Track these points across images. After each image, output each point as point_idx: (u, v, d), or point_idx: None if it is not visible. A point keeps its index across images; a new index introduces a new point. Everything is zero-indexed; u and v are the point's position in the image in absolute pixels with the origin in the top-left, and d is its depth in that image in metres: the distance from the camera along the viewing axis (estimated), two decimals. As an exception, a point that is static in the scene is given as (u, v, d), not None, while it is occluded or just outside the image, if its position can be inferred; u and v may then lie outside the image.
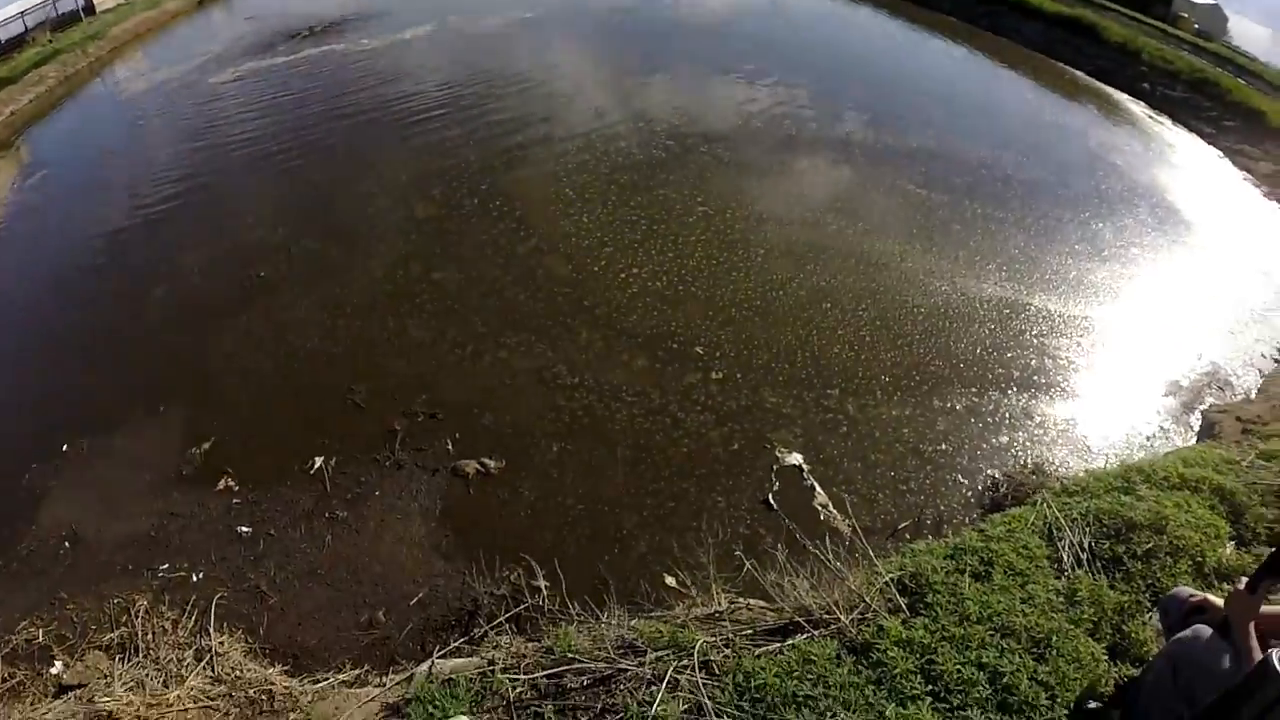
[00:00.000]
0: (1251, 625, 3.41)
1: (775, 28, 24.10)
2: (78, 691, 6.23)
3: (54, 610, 6.85)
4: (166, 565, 6.89)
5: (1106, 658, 4.26)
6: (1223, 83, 24.79)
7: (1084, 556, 5.05)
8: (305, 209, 12.20)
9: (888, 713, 3.89)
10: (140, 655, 6.38)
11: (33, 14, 37.87)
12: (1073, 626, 4.39)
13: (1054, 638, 4.24)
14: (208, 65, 24.53)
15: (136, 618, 6.63)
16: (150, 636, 6.51)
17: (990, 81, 22.20)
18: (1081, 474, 6.47)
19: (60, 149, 20.27)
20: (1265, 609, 3.64)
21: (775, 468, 6.86)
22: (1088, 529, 5.28)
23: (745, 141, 13.96)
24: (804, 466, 6.90)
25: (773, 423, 7.40)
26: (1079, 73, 23.70)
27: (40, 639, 6.70)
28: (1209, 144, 20.70)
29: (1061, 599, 4.63)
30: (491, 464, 7.07)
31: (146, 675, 6.18)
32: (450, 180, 12.51)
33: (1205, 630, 3.58)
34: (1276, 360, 9.85)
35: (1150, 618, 4.55)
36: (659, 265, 9.93)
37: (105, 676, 6.33)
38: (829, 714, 3.95)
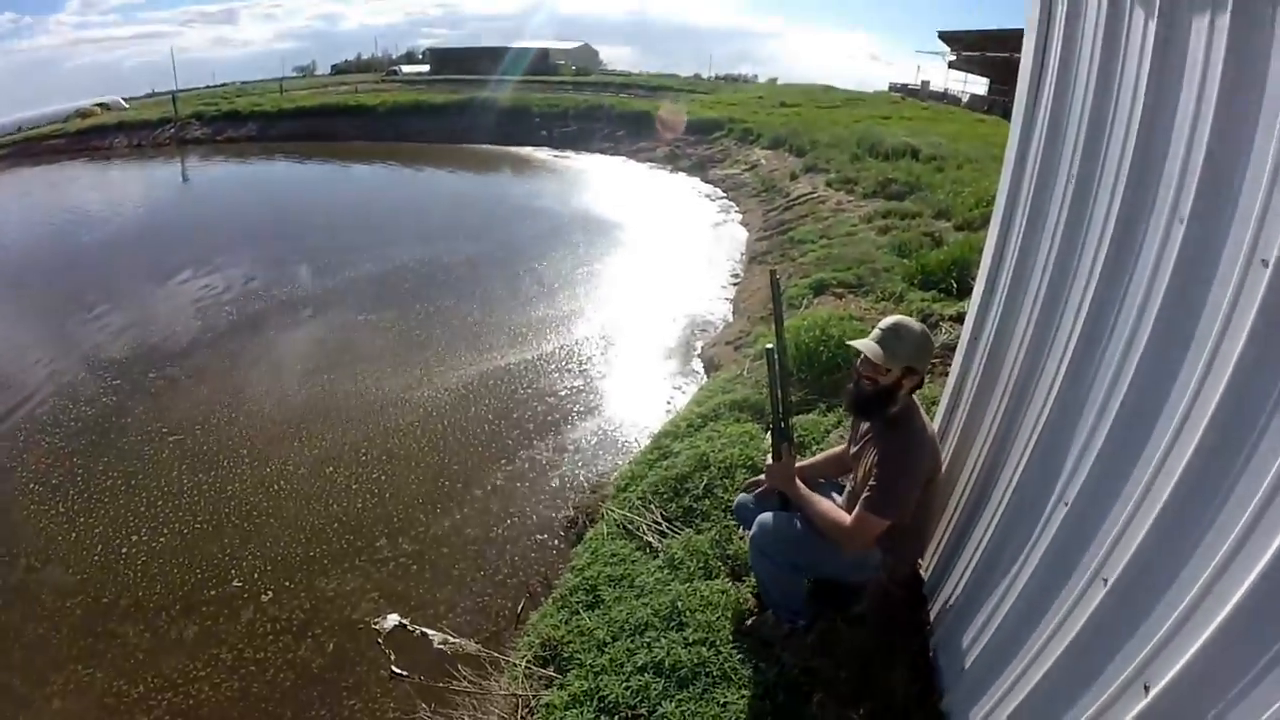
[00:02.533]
0: (799, 484, 3.98)
1: (189, 211, 24.17)
2: None
3: None
4: None
5: (731, 584, 4.97)
6: (605, 103, 31.95)
7: (663, 527, 5.90)
8: None
9: None
10: None
11: None
12: (688, 584, 5.02)
13: (679, 602, 4.80)
14: None
15: None
16: None
17: (408, 185, 25.16)
18: (627, 467, 7.63)
19: None
20: (800, 463, 4.34)
21: (380, 640, 7.24)
22: (653, 505, 6.10)
23: (194, 344, 13.82)
24: (404, 622, 7.33)
25: (348, 604, 7.55)
26: (485, 145, 28.15)
27: None
28: (612, 155, 26.48)
29: (666, 571, 5.24)
30: None
31: None
32: None
33: (765, 515, 4.12)
34: (734, 282, 13.30)
35: (741, 532, 5.26)
36: (154, 519, 9.16)
37: None
38: None
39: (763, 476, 4.29)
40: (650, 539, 5.92)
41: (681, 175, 24.15)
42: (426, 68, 62.96)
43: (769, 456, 4.09)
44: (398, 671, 7.05)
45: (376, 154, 31.92)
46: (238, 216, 24.43)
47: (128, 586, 8.47)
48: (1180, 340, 2.29)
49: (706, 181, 23.43)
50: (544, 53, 54.89)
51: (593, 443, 9.55)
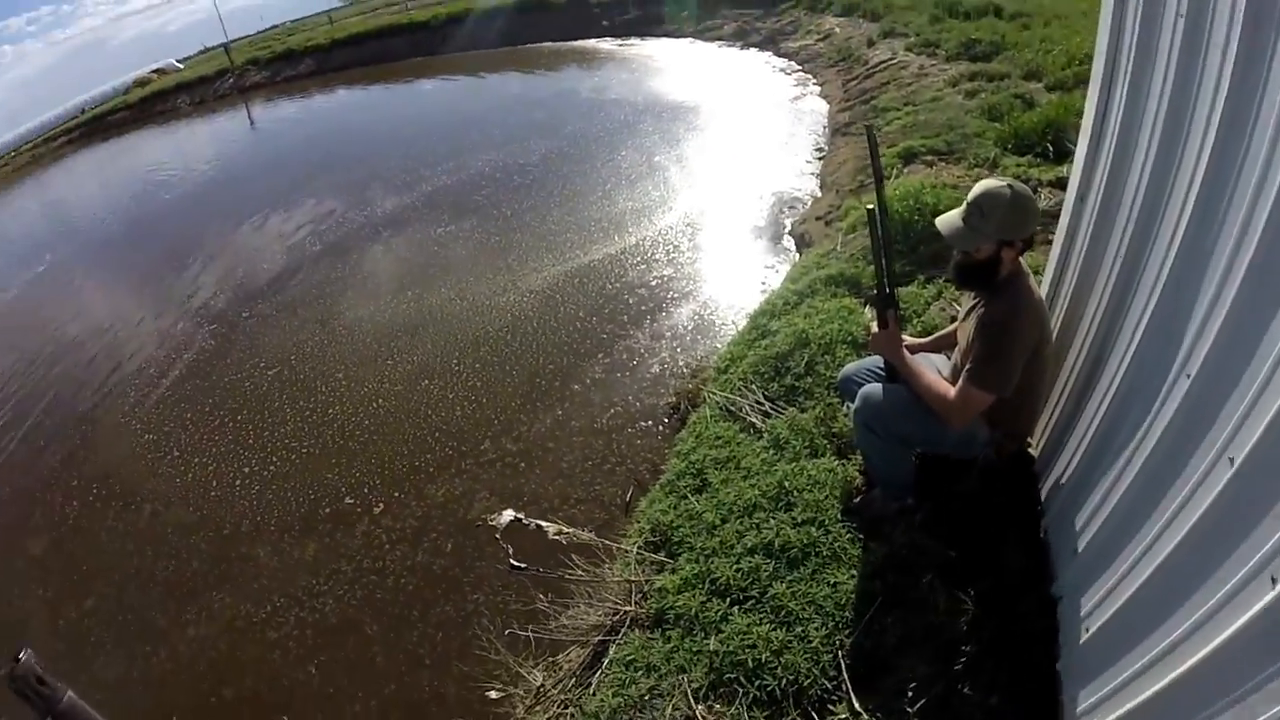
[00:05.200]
0: (905, 353, 3.97)
1: (264, 154, 25.87)
2: None
3: None
4: None
5: (838, 461, 5.02)
6: None
7: (766, 407, 5.97)
8: None
9: (711, 645, 4.24)
10: None
11: None
12: (794, 463, 5.08)
13: (786, 481, 4.89)
14: None
15: None
16: None
17: (476, 91, 25.38)
18: (725, 350, 7.69)
19: None
20: (908, 340, 4.38)
21: (498, 535, 7.59)
22: (754, 386, 6.20)
23: (282, 282, 14.79)
24: (519, 516, 7.69)
25: (461, 505, 7.97)
26: (547, 44, 27.93)
27: None
28: (678, 39, 25.83)
29: (772, 451, 5.32)
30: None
31: None
32: (40, 498, 11.40)
33: (871, 387, 4.16)
34: (819, 156, 12.96)
35: (845, 408, 5.26)
36: (262, 450, 10.04)
37: None
38: (669, 693, 4.27)
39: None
40: (754, 419, 5.97)
41: (753, 51, 23.26)
42: None
43: (873, 325, 4.09)
44: (516, 564, 7.39)
45: (437, 68, 32.07)
46: (309, 151, 25.36)
47: (246, 515, 9.35)
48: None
49: (779, 55, 22.48)
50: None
51: (689, 328, 9.53)
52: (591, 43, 28.86)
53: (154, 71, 73.25)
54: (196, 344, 13.47)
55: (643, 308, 10.15)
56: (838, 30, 22.33)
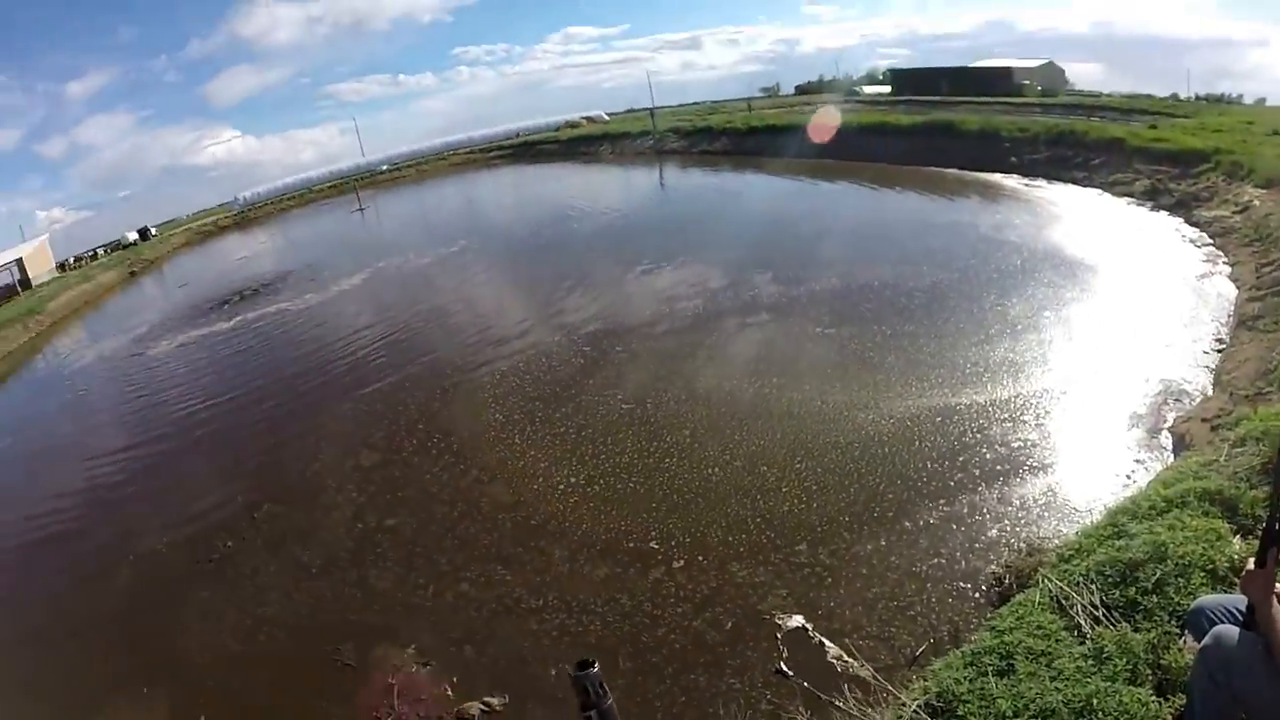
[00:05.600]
0: (1274, 598, 3.50)
1: (667, 213, 28.61)
2: None
3: None
4: None
5: (1154, 697, 4.56)
6: (1077, 128, 29.66)
7: (1099, 613, 5.45)
8: (258, 472, 14.10)
9: None
10: None
11: (-32, 289, 44.98)
12: (1109, 683, 4.64)
13: (1094, 700, 4.47)
14: (147, 335, 31.02)
15: None
16: None
17: (875, 205, 26.42)
18: (1073, 537, 7.04)
19: (8, 423, 23.92)
20: None
21: (779, 635, 7.52)
22: (1094, 586, 5.69)
23: (656, 330, 16.44)
24: (807, 626, 7.59)
25: (754, 595, 8.11)
26: (951, 170, 28.13)
27: None
28: (1085, 187, 24.60)
29: (1091, 662, 4.88)
30: (495, 702, 7.54)
31: None
32: (389, 424, 14.48)
33: (1226, 628, 3.73)
34: (1218, 348, 11.58)
35: (1184, 642, 4.84)
36: (593, 470, 11.16)
37: None
38: None
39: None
40: (1082, 621, 5.53)
41: (1162, 214, 21.07)
42: (887, 88, 63.42)
43: (1250, 560, 3.58)
44: (785, 669, 7.42)
45: (841, 172, 33.30)
46: (705, 220, 27.86)
47: (557, 517, 10.47)
48: None
49: (1190, 224, 20.10)
50: (1006, 71, 51.74)
51: (1039, 502, 8.91)
52: (996, 177, 28.05)
53: (584, 118, 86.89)
54: (566, 358, 15.61)
55: (997, 467, 9.65)
56: (1257, 204, 19.65)
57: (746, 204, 30.90)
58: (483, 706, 7.66)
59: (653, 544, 9.28)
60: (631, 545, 9.37)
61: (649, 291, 19.41)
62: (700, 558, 8.89)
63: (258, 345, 24.39)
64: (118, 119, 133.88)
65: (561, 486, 10.92)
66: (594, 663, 3.75)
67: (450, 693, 7.93)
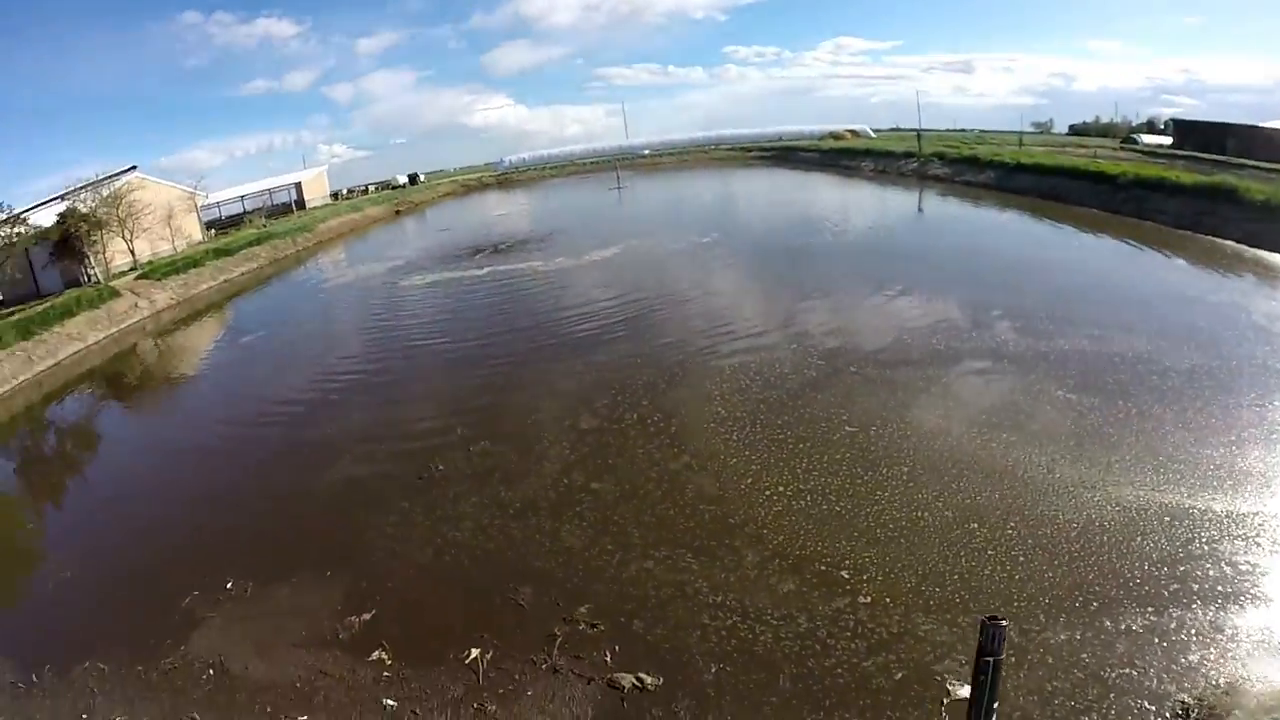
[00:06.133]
0: None
1: (921, 242, 28.48)
2: None
3: None
4: (305, 718, 8.12)
5: None
6: None
7: None
8: (480, 411, 16.02)
9: None
10: None
11: (251, 199, 55.87)
12: None
13: None
14: (401, 269, 35.58)
15: None
16: None
17: (1140, 268, 24.55)
18: None
19: (261, 320, 29.86)
20: None
21: (945, 701, 7.51)
22: None
23: (893, 359, 16.49)
24: None
25: (931, 652, 8.13)
26: (1228, 241, 25.47)
27: None
28: None
29: None
30: (649, 680, 8.15)
31: None
32: (615, 394, 15.93)
33: None
34: None
35: None
36: (802, 484, 11.54)
37: None
38: None
39: None
40: None
41: None
42: (1167, 139, 57.25)
43: None
44: None
45: (1108, 225, 30.53)
46: (959, 254, 27.07)
47: (755, 520, 10.85)
48: None
49: None
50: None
51: (1254, 638, 7.97)
52: (1278, 259, 24.77)
53: (848, 130, 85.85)
54: (798, 368, 16.12)
55: (1219, 587, 8.77)
56: None
57: (1004, 243, 29.37)
58: (635, 681, 8.25)
59: (844, 573, 9.49)
60: (823, 568, 9.62)
61: (891, 318, 19.31)
62: (888, 599, 8.98)
63: (503, 298, 27.22)
64: (400, 75, 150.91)
65: (769, 493, 11.37)
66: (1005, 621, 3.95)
67: (609, 659, 8.60)
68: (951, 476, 11.30)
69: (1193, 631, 8.20)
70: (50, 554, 12.77)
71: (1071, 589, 8.91)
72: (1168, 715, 7.18)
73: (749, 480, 11.73)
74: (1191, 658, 7.85)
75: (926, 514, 10.46)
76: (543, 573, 10.17)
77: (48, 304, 30.13)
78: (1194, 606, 8.52)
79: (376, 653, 9.09)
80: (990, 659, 4.15)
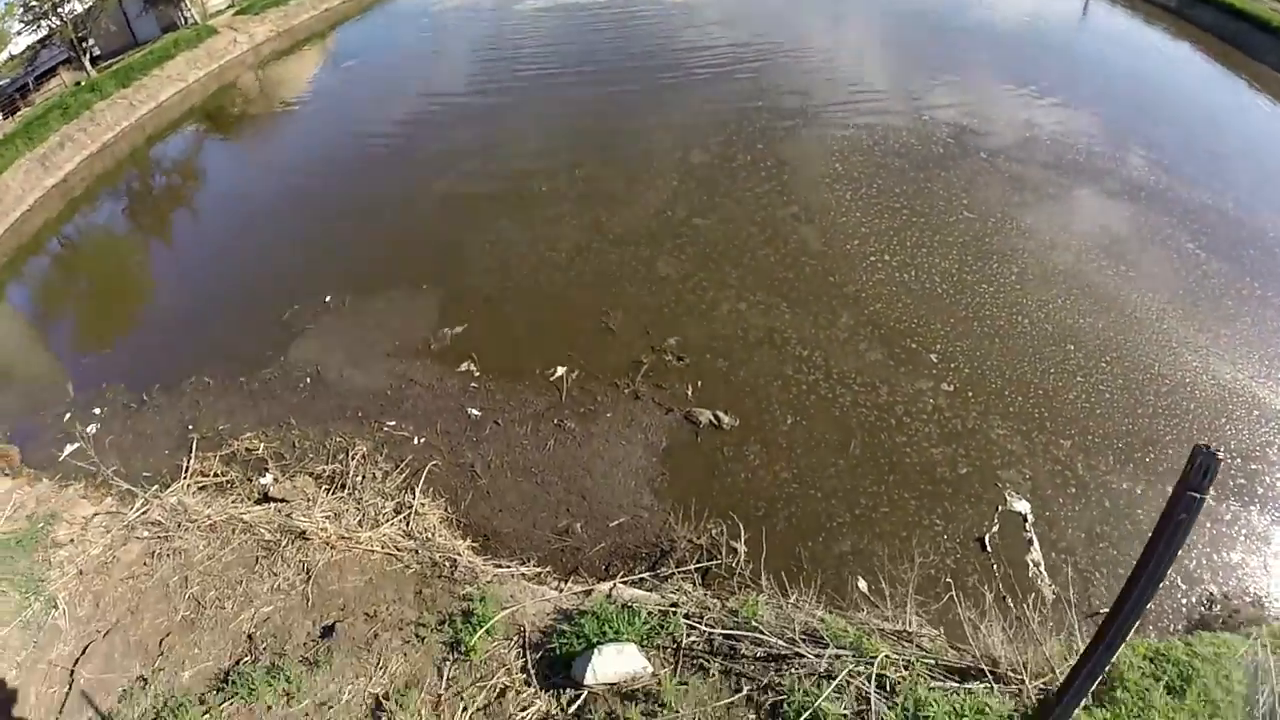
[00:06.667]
0: None
1: (1079, 45, 24.90)
2: (280, 505, 7.69)
3: (279, 432, 8.61)
4: (394, 423, 8.53)
5: None
6: None
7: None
8: (589, 136, 15.22)
9: None
10: (345, 492, 7.83)
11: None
12: None
13: None
14: None
15: (352, 460, 8.16)
16: (360, 479, 7.98)
17: None
18: None
19: (364, 46, 27.85)
20: None
21: (1000, 509, 7.59)
22: None
23: (1025, 156, 14.85)
24: (1029, 517, 7.60)
25: (999, 457, 8.09)
26: None
27: (260, 451, 8.45)
28: None
29: None
30: (726, 419, 8.18)
31: (346, 510, 7.57)
32: (730, 134, 14.78)
33: None
34: None
35: None
36: (910, 258, 10.87)
37: (308, 500, 7.75)
38: None
39: None
40: (1262, 703, 5.32)
41: None
42: None
43: None
44: (986, 543, 7.58)
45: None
46: (1111, 67, 23.17)
47: (853, 282, 10.44)
48: None
49: None
50: None
51: None
52: None
53: None
54: (925, 141, 14.63)
55: None
56: None
57: (1165, 74, 25.21)
58: (713, 418, 8.28)
59: (933, 356, 9.22)
60: (914, 346, 9.34)
61: (1030, 115, 16.97)
62: (970, 393, 8.82)
63: (621, 29, 24.11)
64: None
65: (873, 258, 10.79)
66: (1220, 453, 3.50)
67: (690, 394, 8.57)
68: (1060, 291, 10.63)
69: (1243, 534, 8.09)
70: (160, 286, 12.55)
71: (1146, 442, 8.71)
72: (1194, 599, 7.28)
73: (856, 242, 11.08)
74: (1233, 557, 7.83)
75: (1027, 321, 9.97)
76: (636, 301, 9.95)
77: (145, 50, 27.81)
78: (1251, 509, 8.32)
79: (465, 364, 9.21)
80: (1196, 495, 3.60)
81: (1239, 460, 8.91)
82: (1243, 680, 5.28)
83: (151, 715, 5.69)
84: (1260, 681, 5.27)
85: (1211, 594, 7.33)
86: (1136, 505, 7.96)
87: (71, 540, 7.13)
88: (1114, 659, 4.86)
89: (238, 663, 6.07)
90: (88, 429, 9.19)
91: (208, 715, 5.62)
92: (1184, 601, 7.28)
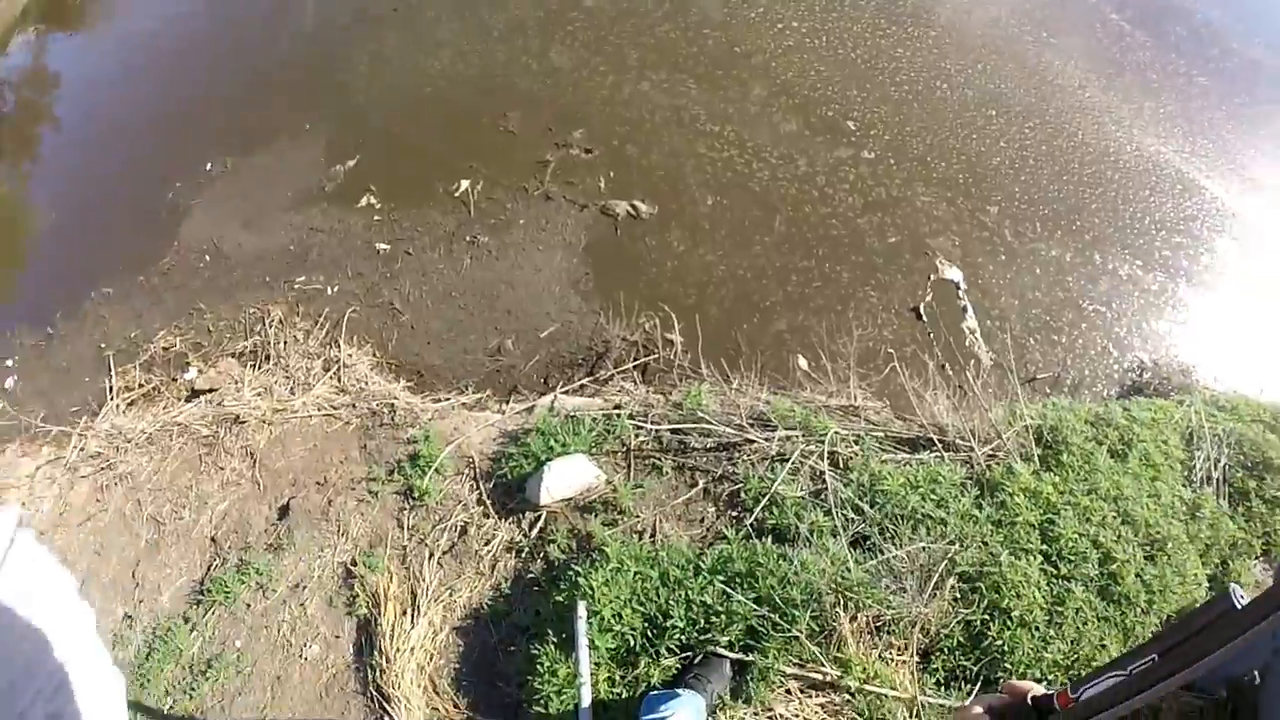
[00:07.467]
0: None
1: None
2: (209, 396, 6.94)
3: (191, 320, 7.71)
4: (303, 278, 7.67)
5: (1207, 584, 4.64)
6: None
7: (1215, 476, 5.36)
8: None
9: (1001, 559, 4.26)
10: (270, 364, 7.16)
11: None
12: (1187, 540, 4.72)
13: (1169, 544, 4.57)
14: None
15: (270, 328, 7.44)
16: (282, 346, 7.29)
17: None
18: (1232, 394, 6.71)
19: None
20: None
21: (932, 277, 7.21)
22: (1226, 450, 5.53)
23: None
24: (962, 285, 7.25)
25: (927, 225, 7.70)
26: None
27: (177, 347, 7.59)
28: None
29: (1185, 509, 4.93)
30: (643, 208, 7.56)
31: (275, 382, 6.92)
32: None
33: None
34: None
35: (1255, 566, 4.95)
36: (820, 24, 9.92)
37: (236, 382, 7.08)
38: (943, 540, 4.33)
39: None
40: (1199, 467, 5.62)
41: None
42: None
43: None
44: (922, 312, 7.20)
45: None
46: None
47: (762, 51, 9.54)
48: None
49: None
50: None
51: (1225, 336, 7.91)
52: None
53: None
54: None
55: (1206, 275, 8.39)
56: None
57: None
58: (630, 209, 7.64)
59: (850, 123, 8.58)
60: (830, 114, 8.65)
61: None
62: (891, 160, 8.30)
63: None
64: None
65: (780, 26, 9.76)
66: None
67: (602, 186, 8.00)
68: (979, 56, 9.98)
69: (1171, 303, 7.99)
70: (37, 212, 10.57)
71: (1071, 212, 8.42)
72: (1124, 366, 7.25)
73: (760, 9, 9.98)
74: (1161, 325, 7.77)
75: (946, 86, 9.34)
76: (532, 96, 8.78)
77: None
78: (1179, 281, 8.18)
79: (365, 198, 7.91)
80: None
81: (1163, 233, 8.64)
82: (1179, 445, 5.38)
83: (145, 651, 5.44)
84: (1195, 447, 5.34)
85: (1142, 361, 7.28)
86: (1066, 272, 7.70)
87: (23, 504, 6.60)
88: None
89: (209, 569, 5.81)
90: (5, 384, 8.33)
91: (194, 632, 5.39)
92: (1116, 368, 7.20)
